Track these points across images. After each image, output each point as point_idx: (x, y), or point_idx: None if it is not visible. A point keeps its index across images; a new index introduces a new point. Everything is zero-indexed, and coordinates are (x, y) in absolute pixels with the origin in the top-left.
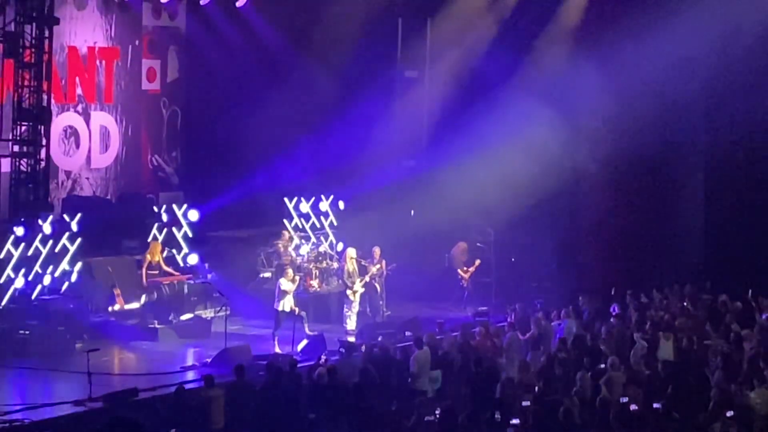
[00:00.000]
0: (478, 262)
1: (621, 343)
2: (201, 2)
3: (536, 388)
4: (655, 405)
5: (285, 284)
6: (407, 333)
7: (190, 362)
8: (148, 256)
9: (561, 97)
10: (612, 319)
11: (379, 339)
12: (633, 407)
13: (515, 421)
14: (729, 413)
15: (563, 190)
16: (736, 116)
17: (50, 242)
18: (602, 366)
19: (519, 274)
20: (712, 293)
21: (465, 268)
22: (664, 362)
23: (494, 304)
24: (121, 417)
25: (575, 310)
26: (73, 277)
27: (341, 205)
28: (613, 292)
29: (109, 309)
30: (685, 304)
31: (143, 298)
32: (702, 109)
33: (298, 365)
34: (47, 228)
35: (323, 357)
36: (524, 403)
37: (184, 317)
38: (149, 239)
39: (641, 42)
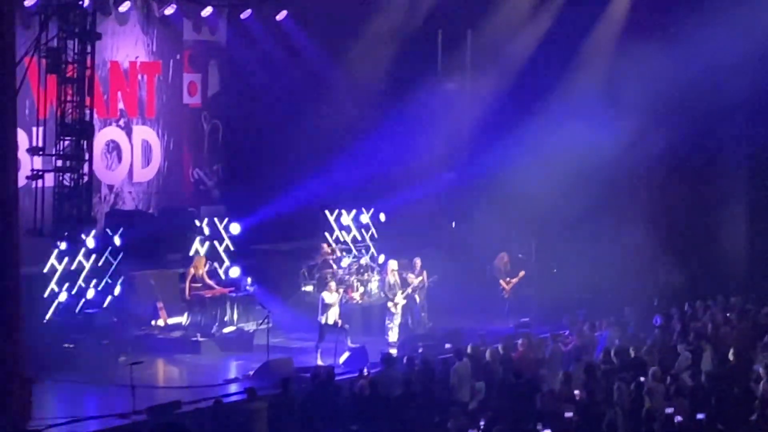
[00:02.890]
0: (522, 273)
1: (664, 354)
2: (241, 16)
3: (579, 399)
4: (698, 416)
5: (328, 297)
6: (447, 345)
7: (232, 375)
8: (192, 270)
9: (603, 107)
10: (655, 330)
11: (420, 351)
12: (678, 419)
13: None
14: None
15: (605, 202)
16: None
17: (93, 256)
18: (645, 377)
19: (560, 285)
20: (756, 304)
21: (507, 279)
22: (707, 373)
23: (536, 316)
24: (171, 423)
25: (618, 321)
26: (116, 291)
27: (382, 217)
28: (656, 303)
29: (153, 323)
30: (728, 315)
31: (187, 317)
32: (745, 117)
33: (341, 377)
34: (90, 242)
35: (365, 369)
36: (567, 414)
37: (227, 330)
38: (192, 253)
39: (687, 44)
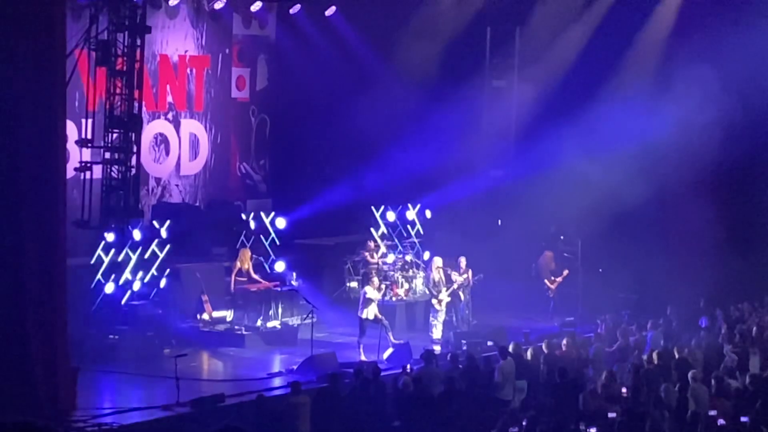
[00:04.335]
0: (566, 272)
1: (710, 355)
2: (291, 11)
3: (623, 400)
4: (743, 419)
5: (371, 292)
6: (489, 343)
7: (276, 369)
8: (238, 263)
9: (653, 105)
10: (701, 332)
11: (464, 348)
12: (720, 421)
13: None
14: None
15: (651, 200)
16: None
17: (140, 248)
18: (689, 378)
19: (606, 284)
20: None
21: (552, 278)
22: (752, 376)
23: (581, 315)
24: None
25: (663, 322)
26: (162, 283)
27: (428, 214)
28: (702, 304)
29: (198, 316)
30: None
31: (231, 310)
32: None
33: (384, 373)
34: (137, 234)
35: (408, 366)
36: (611, 415)
37: (271, 324)
38: (238, 246)
39: (736, 48)
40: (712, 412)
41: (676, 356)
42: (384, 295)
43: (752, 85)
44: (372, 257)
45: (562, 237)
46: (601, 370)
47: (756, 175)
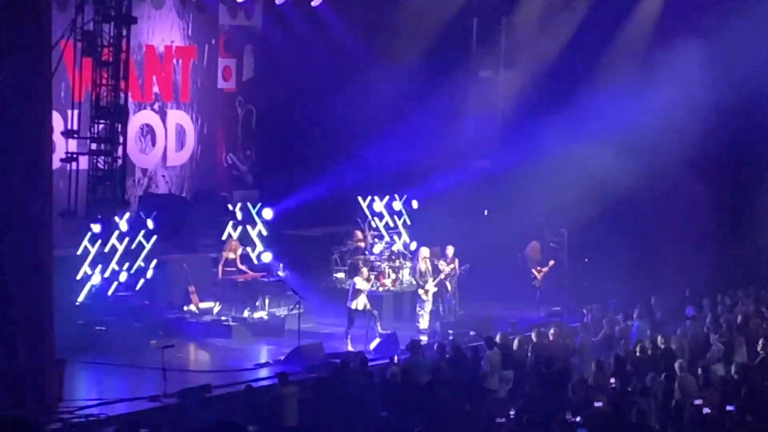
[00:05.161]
0: (552, 262)
1: (696, 345)
2: (277, 2)
3: (610, 389)
4: (728, 408)
5: (360, 283)
6: (471, 333)
7: (263, 359)
8: (226, 254)
9: (641, 94)
10: (687, 321)
11: (451, 338)
12: (706, 410)
13: (579, 419)
14: None
15: (637, 191)
16: None
17: (126, 239)
18: (675, 368)
19: (593, 274)
20: None
21: (538, 268)
22: (738, 365)
23: (567, 305)
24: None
25: (647, 311)
26: (149, 274)
27: (415, 204)
28: (687, 294)
29: (185, 308)
30: (759, 306)
31: (218, 305)
32: None
33: (372, 363)
34: (123, 225)
35: (396, 356)
36: (597, 404)
37: (258, 315)
38: (225, 237)
39: (724, 33)
40: (698, 401)
41: (661, 346)
42: (371, 285)
43: (741, 68)
44: (359, 247)
45: (541, 220)
46: (588, 359)
47: (744, 164)
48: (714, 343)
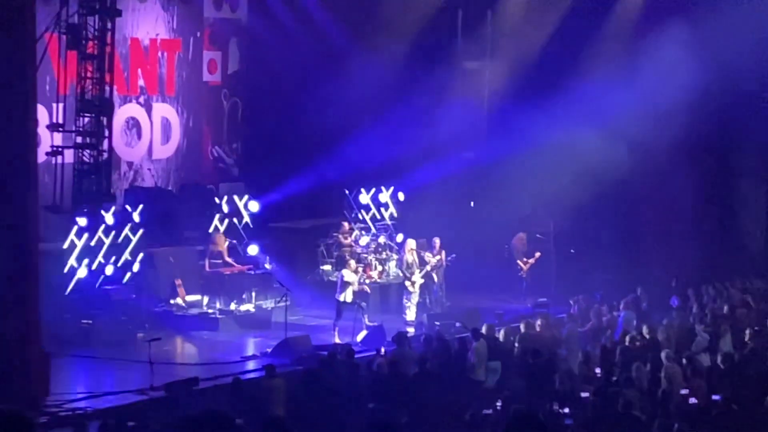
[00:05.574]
0: (538, 254)
1: (681, 335)
2: None
3: (596, 380)
4: (714, 397)
5: (348, 275)
6: (457, 324)
7: (250, 352)
8: (212, 246)
9: (623, 87)
10: (673, 311)
11: (436, 329)
12: (692, 400)
13: (567, 410)
14: None
15: (623, 183)
16: None
17: (113, 233)
18: (662, 358)
19: (579, 265)
20: None
21: (524, 259)
22: (724, 355)
23: (554, 295)
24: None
25: (633, 302)
26: (135, 268)
27: (401, 196)
28: (674, 284)
29: (171, 302)
30: (745, 296)
31: (206, 298)
32: (766, 101)
33: (359, 355)
34: (110, 219)
35: (382, 348)
36: (583, 395)
37: (245, 307)
38: (211, 230)
39: (710, 19)
40: (684, 391)
41: (647, 336)
42: (359, 278)
43: (728, 54)
44: (346, 239)
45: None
46: (574, 350)
47: (730, 152)
48: (699, 333)
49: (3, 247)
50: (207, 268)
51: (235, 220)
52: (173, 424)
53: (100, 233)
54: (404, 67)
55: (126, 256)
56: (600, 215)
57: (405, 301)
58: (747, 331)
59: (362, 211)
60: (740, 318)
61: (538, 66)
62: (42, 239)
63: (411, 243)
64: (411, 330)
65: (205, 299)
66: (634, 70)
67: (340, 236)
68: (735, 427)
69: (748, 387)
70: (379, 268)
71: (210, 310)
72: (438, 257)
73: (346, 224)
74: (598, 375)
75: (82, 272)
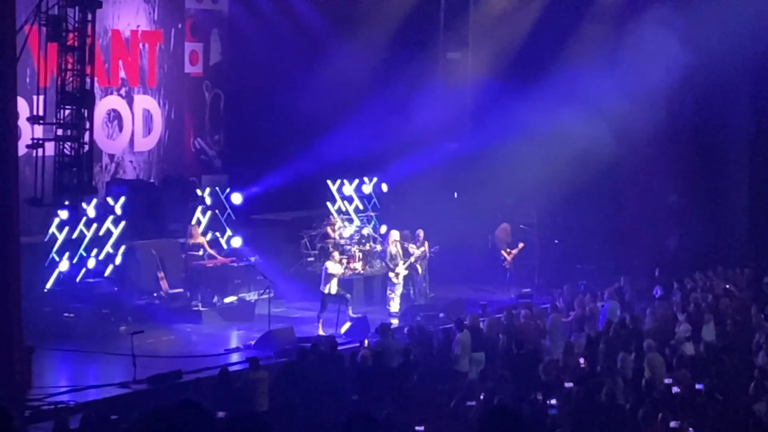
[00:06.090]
0: (521, 245)
1: (664, 324)
2: None
3: (580, 370)
4: (698, 386)
5: (332, 267)
6: (441, 315)
7: (234, 345)
8: (189, 240)
9: (606, 75)
10: (656, 301)
11: (418, 320)
12: (675, 389)
13: (554, 401)
14: None
15: (606, 172)
16: None
17: (94, 225)
18: (644, 348)
19: (562, 255)
20: (756, 275)
21: (508, 250)
22: (707, 344)
23: (537, 286)
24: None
25: (618, 292)
26: (117, 260)
27: (384, 187)
28: (657, 274)
29: (154, 294)
30: (728, 285)
31: (187, 287)
32: (750, 87)
33: (342, 347)
34: (91, 211)
35: (366, 340)
36: (567, 385)
37: (228, 300)
38: (192, 222)
39: (694, 4)
40: (668, 381)
41: (631, 326)
42: (344, 269)
43: (712, 39)
44: (334, 231)
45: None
46: (558, 340)
47: (710, 146)
48: (682, 322)
49: None
50: (185, 261)
51: (217, 212)
52: (147, 413)
53: (81, 226)
54: (387, 58)
55: (108, 249)
56: (583, 205)
57: (389, 292)
58: (729, 321)
59: (346, 202)
60: (723, 307)
61: (521, 54)
62: (23, 232)
63: (395, 234)
64: (395, 321)
65: (187, 292)
66: (617, 56)
67: (328, 228)
68: (718, 416)
69: (731, 376)
70: (363, 259)
71: (193, 303)
72: (422, 248)
73: (333, 216)
74: (582, 365)
75: (63, 265)
